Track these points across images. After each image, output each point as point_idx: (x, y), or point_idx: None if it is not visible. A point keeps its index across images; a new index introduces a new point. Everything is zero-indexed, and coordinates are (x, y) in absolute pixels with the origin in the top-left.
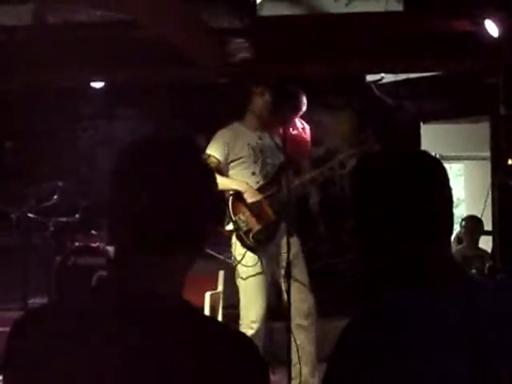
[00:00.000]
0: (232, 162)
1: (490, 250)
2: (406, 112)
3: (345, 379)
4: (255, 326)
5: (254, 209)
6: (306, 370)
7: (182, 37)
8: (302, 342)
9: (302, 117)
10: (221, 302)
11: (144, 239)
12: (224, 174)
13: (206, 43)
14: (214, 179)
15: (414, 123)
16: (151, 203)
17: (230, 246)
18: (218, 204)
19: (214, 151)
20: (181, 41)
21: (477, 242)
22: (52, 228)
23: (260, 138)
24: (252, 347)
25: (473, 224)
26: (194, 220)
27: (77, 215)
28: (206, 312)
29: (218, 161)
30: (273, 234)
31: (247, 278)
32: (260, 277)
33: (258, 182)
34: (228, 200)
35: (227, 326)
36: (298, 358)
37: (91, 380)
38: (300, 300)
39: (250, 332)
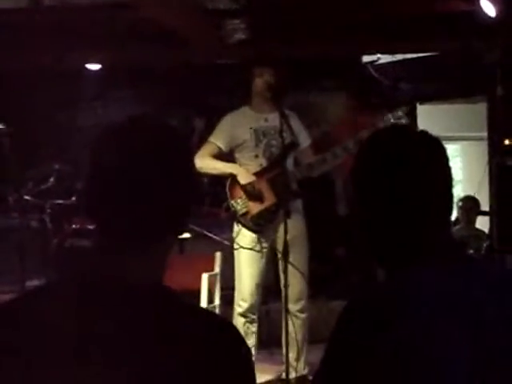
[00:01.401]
0: (236, 146)
1: (486, 230)
2: (402, 93)
3: (344, 361)
4: (245, 304)
5: (249, 191)
6: (291, 355)
7: (178, 18)
8: (291, 325)
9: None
10: (218, 283)
11: (124, 225)
12: (228, 160)
13: (202, 25)
14: (190, 159)
15: (410, 104)
16: (128, 187)
17: (226, 227)
18: (194, 184)
19: (216, 138)
20: (177, 22)
21: (473, 222)
22: (49, 210)
23: (266, 120)
24: (234, 334)
25: (469, 204)
26: (172, 201)
27: (73, 198)
28: (203, 293)
29: (219, 147)
30: (273, 216)
31: (241, 252)
32: (255, 254)
33: (260, 165)
34: (228, 184)
35: (210, 313)
36: (286, 342)
37: (67, 368)
38: (291, 284)
39: (238, 310)
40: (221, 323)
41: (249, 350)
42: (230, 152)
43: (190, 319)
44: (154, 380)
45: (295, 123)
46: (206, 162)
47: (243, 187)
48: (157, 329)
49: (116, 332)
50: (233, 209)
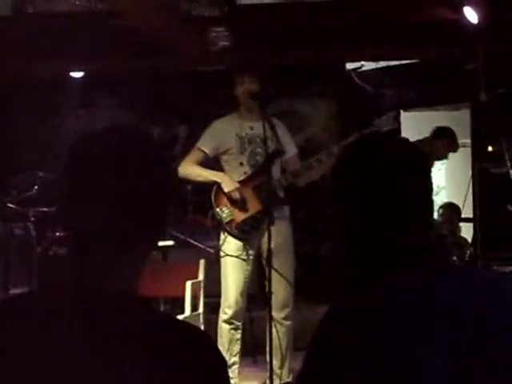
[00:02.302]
0: (222, 153)
1: (470, 238)
2: (385, 99)
3: (323, 369)
4: (230, 311)
5: (233, 198)
6: (275, 362)
7: (162, 26)
8: (274, 334)
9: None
10: (202, 291)
11: (96, 233)
12: (214, 166)
13: (186, 32)
14: (166, 168)
15: (393, 111)
16: (100, 194)
17: (211, 235)
18: (169, 193)
19: (202, 144)
20: (161, 30)
21: (455, 229)
22: (33, 218)
23: (251, 128)
24: (209, 344)
25: (450, 211)
26: (145, 210)
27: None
28: (187, 301)
29: (205, 153)
30: (258, 224)
31: (227, 259)
32: (241, 261)
33: (245, 173)
34: (213, 191)
35: (185, 323)
36: (270, 349)
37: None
38: (277, 291)
39: (223, 316)
40: (195, 333)
41: (224, 360)
42: (215, 159)
43: (164, 329)
44: None
45: (282, 132)
46: (190, 170)
47: (227, 195)
48: (129, 339)
49: (86, 343)
50: (218, 217)
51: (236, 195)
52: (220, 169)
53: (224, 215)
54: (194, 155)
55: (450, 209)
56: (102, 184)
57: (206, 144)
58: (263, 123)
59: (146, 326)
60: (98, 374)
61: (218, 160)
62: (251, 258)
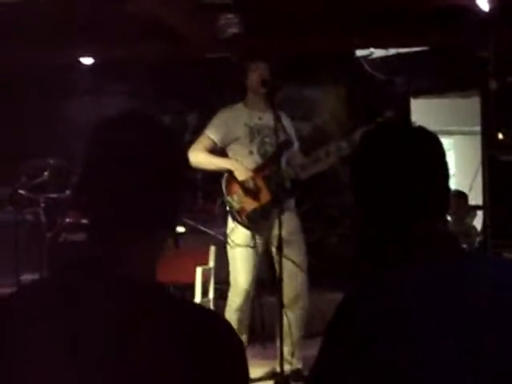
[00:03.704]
0: (231, 142)
1: (478, 225)
2: (395, 87)
3: (340, 354)
4: (239, 299)
5: (246, 187)
6: (285, 349)
7: (172, 12)
8: (287, 319)
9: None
10: (212, 277)
11: (115, 219)
12: (222, 154)
13: (196, 19)
14: (180, 155)
15: (403, 98)
16: (119, 181)
17: (220, 222)
18: (184, 179)
19: (211, 132)
20: (171, 16)
21: (463, 217)
22: (43, 205)
23: (260, 118)
24: (226, 327)
25: (458, 199)
26: (162, 196)
27: (68, 192)
28: (198, 287)
29: (214, 142)
30: (268, 214)
31: (236, 248)
32: (250, 250)
33: (255, 162)
34: (223, 180)
35: (202, 307)
36: (281, 336)
37: (65, 360)
38: (289, 279)
39: (232, 305)
40: (212, 316)
41: (241, 342)
42: (223, 147)
43: (182, 313)
44: (145, 375)
45: (287, 123)
46: (202, 157)
47: (241, 183)
48: (147, 323)
49: (106, 327)
50: (228, 205)
51: (250, 184)
52: (225, 156)
53: (234, 203)
54: (203, 142)
55: (458, 197)
56: (124, 171)
57: (214, 132)
58: (274, 113)
59: (165, 311)
60: (115, 359)
61: (225, 148)
62: (260, 247)
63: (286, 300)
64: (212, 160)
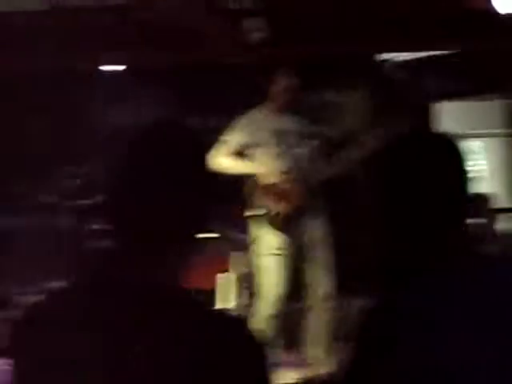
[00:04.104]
0: (253, 146)
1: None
2: (419, 90)
3: (372, 357)
4: (268, 307)
5: (277, 191)
6: (315, 352)
7: (198, 18)
8: (315, 324)
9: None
10: (234, 284)
11: (143, 226)
12: (244, 158)
13: (223, 24)
14: (207, 163)
15: (430, 101)
16: (150, 189)
17: (244, 227)
18: (211, 186)
19: (233, 137)
20: (197, 22)
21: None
22: (73, 211)
23: (286, 122)
24: (247, 332)
25: (478, 202)
26: (192, 203)
27: (96, 198)
28: (218, 294)
29: (237, 146)
30: (298, 217)
31: (262, 256)
32: (277, 257)
33: (283, 165)
34: (249, 184)
35: (225, 313)
36: (310, 339)
37: (95, 366)
38: (317, 282)
39: (263, 313)
40: (235, 322)
41: (262, 347)
42: (244, 151)
43: (205, 319)
44: (168, 380)
45: (310, 127)
46: (226, 162)
47: (270, 187)
48: (172, 329)
49: (132, 332)
50: (257, 209)
51: (279, 187)
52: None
53: (264, 208)
54: (226, 147)
55: (478, 199)
56: (157, 183)
57: (236, 137)
58: (301, 117)
59: (189, 315)
60: (141, 364)
61: (246, 152)
62: (289, 251)
63: (314, 303)
64: (237, 165)
